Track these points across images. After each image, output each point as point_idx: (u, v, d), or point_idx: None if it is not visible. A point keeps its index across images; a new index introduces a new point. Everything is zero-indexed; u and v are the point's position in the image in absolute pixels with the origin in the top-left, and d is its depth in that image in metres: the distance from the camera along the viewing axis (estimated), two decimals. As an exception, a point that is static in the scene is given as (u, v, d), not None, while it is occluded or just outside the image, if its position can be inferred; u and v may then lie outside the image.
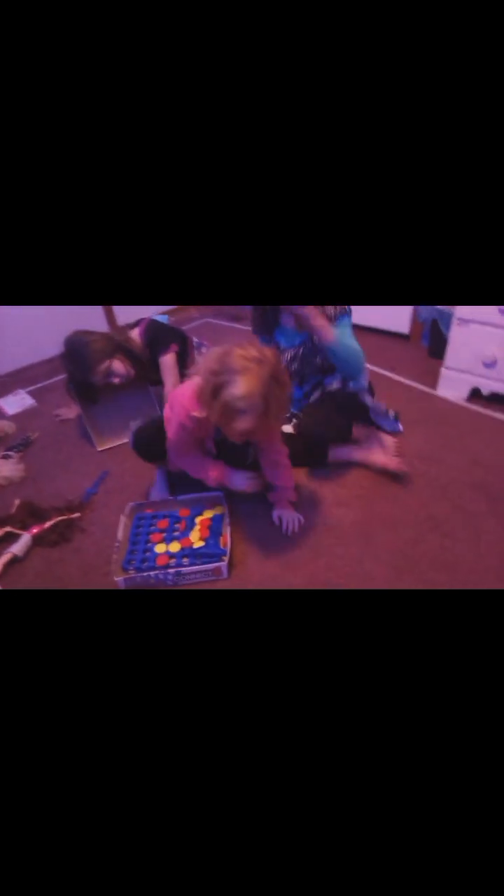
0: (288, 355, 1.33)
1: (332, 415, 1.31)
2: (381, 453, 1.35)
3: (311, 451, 1.32)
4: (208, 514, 1.26)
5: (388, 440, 1.38)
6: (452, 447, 1.41)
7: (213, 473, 1.19)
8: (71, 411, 1.77)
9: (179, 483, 1.37)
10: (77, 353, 1.42)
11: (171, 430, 1.12)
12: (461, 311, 1.51)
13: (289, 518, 1.23)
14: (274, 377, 0.89)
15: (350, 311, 1.22)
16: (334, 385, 1.36)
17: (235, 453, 1.21)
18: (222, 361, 0.89)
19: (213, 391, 0.90)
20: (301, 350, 1.31)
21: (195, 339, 1.69)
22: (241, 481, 1.20)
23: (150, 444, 1.24)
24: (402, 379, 1.79)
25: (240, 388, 0.86)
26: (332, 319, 1.19)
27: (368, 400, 1.39)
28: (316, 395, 1.38)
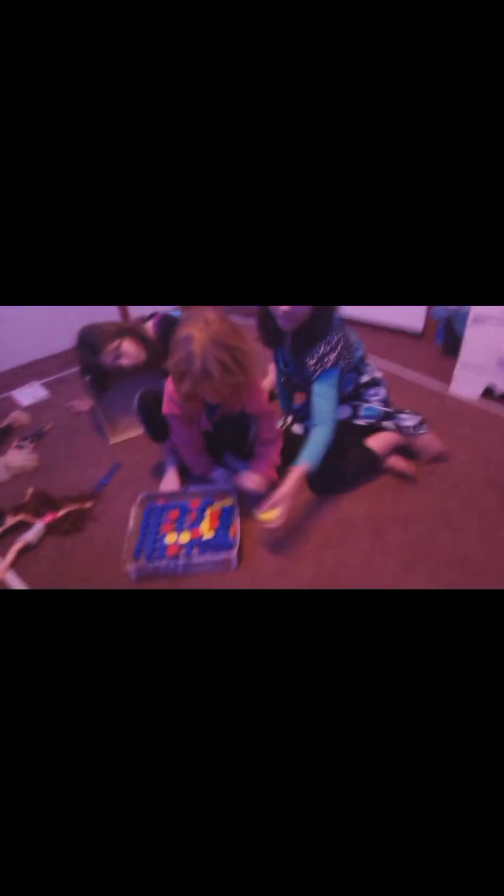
0: (283, 377, 1.34)
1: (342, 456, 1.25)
2: (396, 457, 1.32)
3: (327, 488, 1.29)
4: (218, 506, 1.27)
5: (293, 474, 1.17)
6: (465, 445, 1.40)
7: (197, 469, 1.24)
8: (84, 404, 1.79)
9: (190, 476, 1.38)
10: (87, 336, 1.42)
11: (164, 403, 1.16)
12: (477, 308, 1.50)
13: (251, 481, 1.18)
14: (214, 341, 0.92)
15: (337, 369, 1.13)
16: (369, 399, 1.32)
17: (232, 433, 1.23)
18: (176, 331, 0.97)
19: (169, 358, 0.98)
20: (298, 376, 1.25)
21: None
22: (221, 478, 1.24)
23: (153, 412, 1.23)
24: (414, 376, 1.78)
25: (178, 352, 0.94)
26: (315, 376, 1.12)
27: (384, 407, 1.32)
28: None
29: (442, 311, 1.81)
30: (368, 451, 1.28)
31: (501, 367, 1.54)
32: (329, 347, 1.11)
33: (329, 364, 1.10)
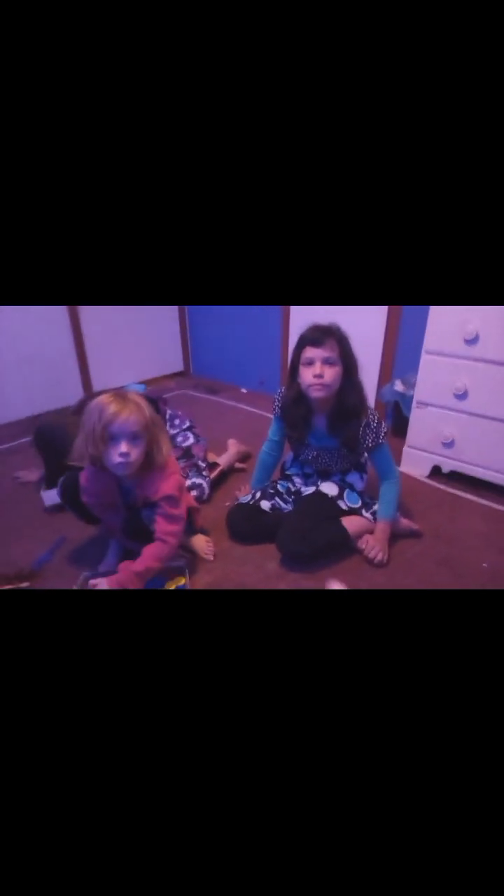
0: (314, 452, 1.37)
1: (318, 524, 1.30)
2: (368, 537, 1.33)
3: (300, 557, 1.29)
4: (172, 586, 1.19)
5: (380, 527, 1.33)
6: (417, 522, 1.43)
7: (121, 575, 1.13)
8: (32, 474, 1.71)
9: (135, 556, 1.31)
10: (53, 436, 1.43)
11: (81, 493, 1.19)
12: (420, 394, 1.63)
13: (99, 585, 1.11)
14: (132, 402, 1.04)
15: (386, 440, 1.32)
16: (358, 485, 1.40)
17: (141, 523, 1.19)
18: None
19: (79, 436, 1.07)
20: (332, 452, 1.34)
21: (168, 411, 1.69)
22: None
23: (77, 497, 1.20)
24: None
25: (88, 415, 1.05)
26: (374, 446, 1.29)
27: (365, 497, 1.39)
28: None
29: (390, 394, 1.95)
30: (341, 529, 1.31)
31: (446, 449, 1.64)
32: (378, 424, 1.28)
33: (383, 437, 1.28)
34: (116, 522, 1.22)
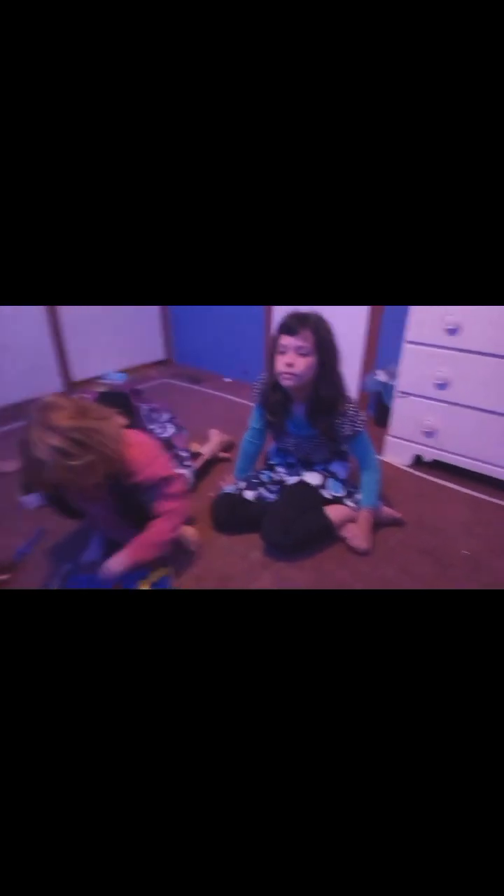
0: (294, 440, 1.38)
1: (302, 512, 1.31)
2: (351, 526, 1.34)
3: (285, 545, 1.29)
4: (155, 577, 1.18)
5: (363, 515, 1.34)
6: (399, 510, 1.45)
7: (124, 540, 1.13)
8: (9, 465, 1.67)
9: (118, 548, 1.29)
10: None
11: None
12: (402, 384, 1.64)
13: (114, 563, 1.10)
14: (45, 427, 0.88)
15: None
16: (341, 474, 1.41)
17: (134, 504, 1.17)
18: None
19: None
20: (312, 440, 1.35)
21: (145, 407, 1.55)
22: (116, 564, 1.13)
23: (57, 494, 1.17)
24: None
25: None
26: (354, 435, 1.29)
27: (348, 486, 1.41)
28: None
29: (373, 384, 1.96)
30: (325, 518, 1.31)
31: (427, 439, 1.66)
32: (356, 413, 1.27)
33: (361, 426, 1.28)
34: (102, 512, 1.20)
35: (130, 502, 1.17)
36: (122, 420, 1.05)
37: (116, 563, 1.10)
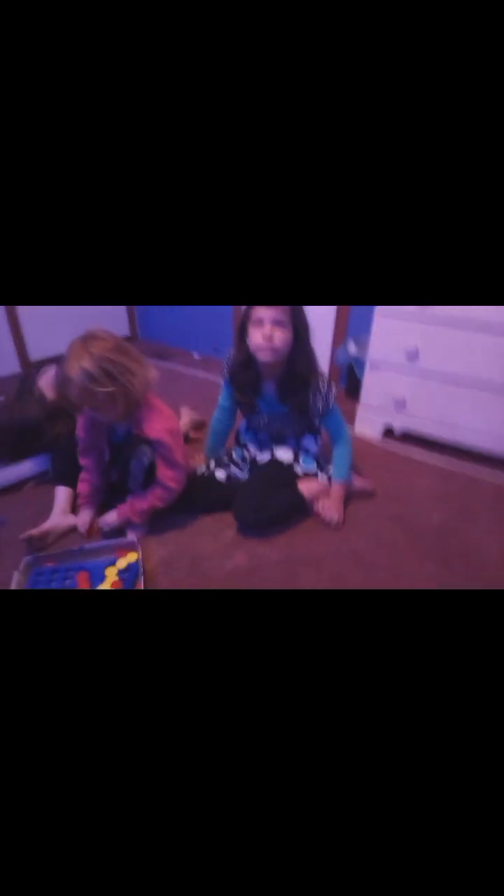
0: (265, 418, 1.33)
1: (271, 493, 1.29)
2: (324, 500, 1.33)
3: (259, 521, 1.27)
4: (123, 563, 1.14)
5: (335, 489, 1.34)
6: (370, 481, 1.45)
7: (82, 515, 1.28)
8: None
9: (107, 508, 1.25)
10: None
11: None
12: (373, 355, 1.62)
13: (108, 517, 1.24)
14: (84, 350, 1.02)
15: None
16: (312, 448, 1.38)
17: (123, 455, 1.24)
18: None
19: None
20: (284, 417, 1.31)
21: None
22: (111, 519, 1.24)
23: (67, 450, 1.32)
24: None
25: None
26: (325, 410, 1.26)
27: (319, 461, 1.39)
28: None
29: (344, 356, 1.93)
30: (297, 494, 1.30)
31: (398, 410, 1.66)
32: (328, 388, 1.24)
33: (333, 400, 1.25)
34: (99, 462, 1.29)
35: (122, 453, 1.24)
36: (155, 373, 1.13)
37: (109, 518, 1.23)
